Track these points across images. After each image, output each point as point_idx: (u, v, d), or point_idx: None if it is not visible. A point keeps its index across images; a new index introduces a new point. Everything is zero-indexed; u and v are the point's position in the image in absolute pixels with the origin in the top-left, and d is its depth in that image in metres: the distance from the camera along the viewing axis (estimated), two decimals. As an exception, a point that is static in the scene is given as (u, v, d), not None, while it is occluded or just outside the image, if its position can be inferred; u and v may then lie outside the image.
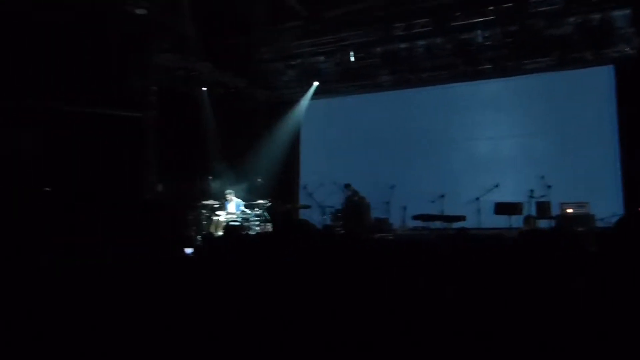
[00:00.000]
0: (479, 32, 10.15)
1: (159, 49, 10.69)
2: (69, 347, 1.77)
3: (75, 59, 8.66)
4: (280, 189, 12.08)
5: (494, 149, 11.01)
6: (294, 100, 12.86)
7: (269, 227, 10.55)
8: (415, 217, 10.11)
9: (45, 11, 8.00)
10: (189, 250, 4.30)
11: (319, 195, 10.83)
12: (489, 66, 10.92)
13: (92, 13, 8.68)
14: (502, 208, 9.33)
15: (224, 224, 10.00)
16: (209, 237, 6.34)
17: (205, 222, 10.40)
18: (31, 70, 8.12)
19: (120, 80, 9.86)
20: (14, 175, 7.56)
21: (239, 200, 10.74)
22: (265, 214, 10.65)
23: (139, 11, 9.41)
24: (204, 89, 11.93)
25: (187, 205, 10.52)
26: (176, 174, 10.83)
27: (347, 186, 10.58)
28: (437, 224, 9.73)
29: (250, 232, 9.67)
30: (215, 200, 10.67)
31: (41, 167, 8.13)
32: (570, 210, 8.93)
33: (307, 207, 10.90)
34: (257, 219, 10.59)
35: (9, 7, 7.67)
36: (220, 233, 9.35)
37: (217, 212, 10.57)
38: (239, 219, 10.29)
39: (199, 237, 9.01)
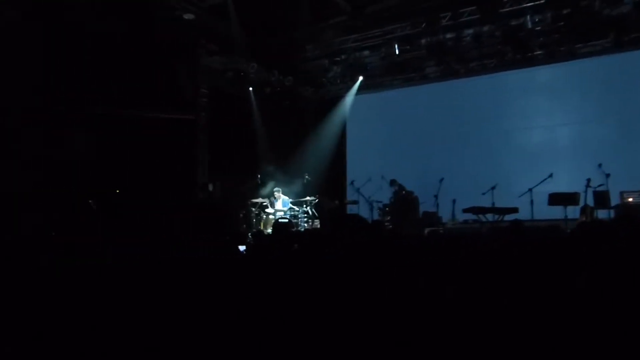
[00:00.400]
0: (529, 17, 9.70)
1: (207, 52, 10.86)
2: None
3: (128, 66, 8.96)
4: (328, 185, 12.07)
5: (547, 138, 10.52)
6: (339, 96, 12.82)
7: (317, 223, 10.67)
8: (466, 210, 9.74)
9: (99, 21, 8.31)
10: (242, 248, 4.42)
11: (367, 191, 10.59)
12: (540, 52, 10.41)
13: (142, 21, 8.97)
14: (557, 199, 8.87)
15: (273, 221, 9.95)
16: (259, 234, 6.41)
17: (255, 220, 10.52)
18: (86, 77, 8.45)
19: (171, 84, 10.12)
20: (73, 179, 7.88)
21: (287, 198, 10.80)
22: (313, 210, 10.66)
23: (186, 16, 9.60)
24: (250, 89, 12.07)
25: (238, 204, 10.71)
26: (226, 174, 10.99)
27: (393, 182, 10.44)
28: (489, 217, 9.38)
29: (299, 229, 9.80)
30: (263, 198, 10.75)
31: (98, 170, 8.42)
32: (631, 199, 8.42)
33: (354, 202, 10.79)
34: (305, 215, 10.61)
35: (65, 19, 8.02)
36: (269, 230, 9.68)
37: (266, 210, 10.66)
38: (287, 216, 10.32)
39: (249, 234, 9.10)
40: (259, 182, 10.85)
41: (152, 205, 8.12)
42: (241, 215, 10.50)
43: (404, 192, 10.40)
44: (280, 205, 10.73)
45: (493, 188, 9.52)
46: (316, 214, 10.69)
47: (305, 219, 10.58)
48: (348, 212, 11.02)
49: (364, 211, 10.32)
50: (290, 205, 10.71)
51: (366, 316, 1.90)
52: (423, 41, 10.89)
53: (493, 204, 9.31)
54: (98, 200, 7.67)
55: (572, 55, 10.23)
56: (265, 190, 11.04)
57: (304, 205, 10.69)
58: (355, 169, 12.29)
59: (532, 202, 9.06)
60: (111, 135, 8.88)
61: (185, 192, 10.25)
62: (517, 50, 10.47)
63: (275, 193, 10.81)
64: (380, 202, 10.65)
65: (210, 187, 10.57)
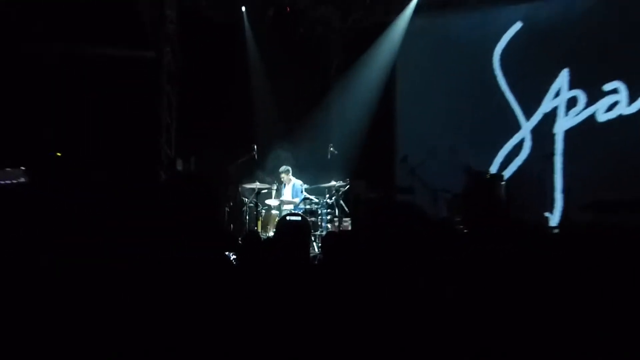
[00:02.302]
0: None
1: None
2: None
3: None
4: (365, 163, 11.93)
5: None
6: (384, 23, 12.62)
7: (346, 223, 10.60)
8: (585, 207, 9.70)
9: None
10: (231, 255, 4.90)
11: (427, 173, 10.51)
12: None
13: None
14: None
15: (277, 218, 10.09)
16: (255, 237, 6.25)
17: (248, 216, 10.44)
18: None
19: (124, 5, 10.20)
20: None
21: (299, 182, 10.76)
22: (341, 202, 10.48)
23: None
24: (244, 9, 12.04)
25: (223, 191, 10.65)
26: (206, 144, 10.98)
27: (468, 170, 10.50)
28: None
29: (318, 232, 10.02)
30: (263, 182, 10.65)
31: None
32: None
33: (408, 191, 10.59)
34: (328, 210, 10.51)
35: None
36: (271, 233, 9.81)
37: (268, 201, 10.61)
38: (300, 210, 10.27)
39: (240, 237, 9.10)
40: (256, 157, 10.70)
41: (90, 188, 8.09)
42: (227, 208, 10.47)
43: (487, 175, 10.42)
44: (290, 193, 10.72)
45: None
46: (346, 208, 10.54)
47: (329, 216, 10.51)
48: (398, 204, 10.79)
49: (423, 204, 10.04)
50: (305, 194, 10.61)
51: (365, 317, 2.59)
52: None
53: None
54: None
55: None
56: (266, 171, 11.05)
57: (327, 194, 10.57)
58: (410, 138, 12.14)
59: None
60: (35, 78, 9.14)
61: (141, 172, 10.33)
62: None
63: (282, 175, 10.78)
64: (449, 191, 10.45)
65: (180, 165, 10.58)
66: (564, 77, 11.21)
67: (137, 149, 10.32)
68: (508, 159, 11.53)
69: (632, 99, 10.66)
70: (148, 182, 10.19)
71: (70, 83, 9.54)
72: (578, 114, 11.06)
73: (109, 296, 2.64)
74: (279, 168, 10.88)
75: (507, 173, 11.23)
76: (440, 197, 10.44)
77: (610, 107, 10.80)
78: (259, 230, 10.08)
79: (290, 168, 10.87)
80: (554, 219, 10.67)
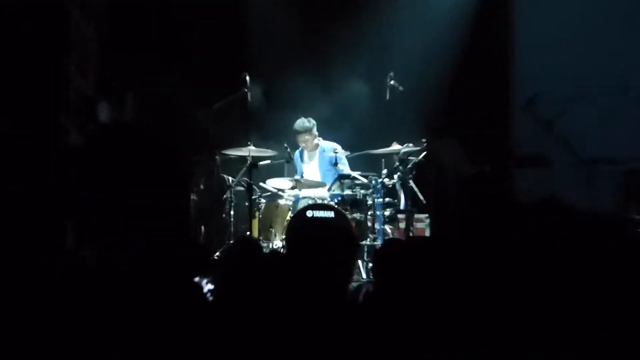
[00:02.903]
0: None
1: None
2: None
3: None
4: (456, 111, 12.19)
5: None
6: None
7: (422, 224, 11.04)
8: None
9: None
10: (205, 283, 4.61)
11: (575, 129, 10.53)
12: None
13: None
14: None
15: (290, 214, 10.53)
16: (248, 248, 6.13)
17: (234, 211, 10.77)
18: None
19: None
20: None
21: (333, 147, 10.99)
22: (412, 184, 10.48)
23: None
24: None
25: (187, 162, 10.66)
26: (153, 72, 10.90)
27: None
28: None
29: (368, 241, 10.15)
30: (263, 148, 10.94)
31: None
32: None
33: (538, 162, 10.62)
34: (387, 200, 10.63)
35: None
36: (278, 242, 10.28)
37: (272, 182, 10.95)
38: (335, 201, 10.42)
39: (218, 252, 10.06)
40: (250, 97, 10.45)
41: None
42: (194, 195, 10.54)
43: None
44: (316, 166, 11.28)
45: None
46: (420, 194, 10.48)
47: (388, 210, 10.67)
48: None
49: (568, 185, 10.37)
50: (344, 167, 10.89)
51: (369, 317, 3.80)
52: None
53: None
54: None
55: None
56: (270, 125, 11.17)
57: (385, 169, 10.76)
58: (541, 69, 12.25)
59: None
60: None
61: (30, 125, 9.72)
62: None
63: (302, 135, 11.10)
64: (616, 160, 10.19)
65: (105, 112, 10.20)
66: None
67: (23, 80, 9.75)
68: None
69: None
70: (44, 146, 9.86)
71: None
72: None
73: (105, 297, 3.57)
74: (295, 126, 11.09)
75: None
76: (600, 174, 10.07)
77: None
78: (256, 236, 10.25)
79: (315, 122, 10.92)
80: None
